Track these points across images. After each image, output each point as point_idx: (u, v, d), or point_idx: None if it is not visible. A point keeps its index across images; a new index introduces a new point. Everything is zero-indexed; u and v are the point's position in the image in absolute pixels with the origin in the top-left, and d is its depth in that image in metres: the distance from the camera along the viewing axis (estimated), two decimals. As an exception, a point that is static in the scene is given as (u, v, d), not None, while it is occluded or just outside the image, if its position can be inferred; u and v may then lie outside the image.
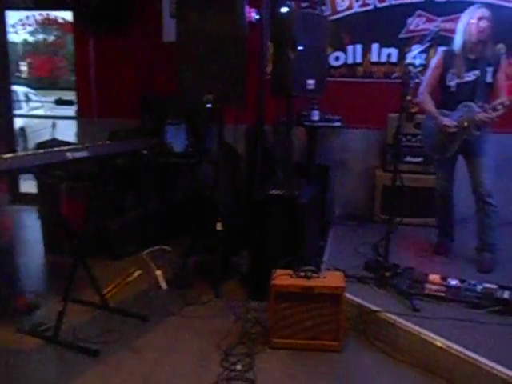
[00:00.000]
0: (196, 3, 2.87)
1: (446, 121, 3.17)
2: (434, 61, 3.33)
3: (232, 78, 2.93)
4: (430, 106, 3.29)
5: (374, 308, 2.66)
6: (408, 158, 4.15)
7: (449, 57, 3.23)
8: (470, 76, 3.15)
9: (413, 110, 3.32)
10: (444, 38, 4.21)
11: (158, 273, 3.31)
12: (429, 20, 4.25)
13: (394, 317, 2.58)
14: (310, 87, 3.13)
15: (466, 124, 3.14)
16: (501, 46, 4.16)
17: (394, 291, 2.82)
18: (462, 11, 4.15)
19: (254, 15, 3.47)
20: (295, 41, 2.97)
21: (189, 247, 3.43)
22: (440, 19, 4.22)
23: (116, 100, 4.82)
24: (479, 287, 2.77)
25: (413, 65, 2.97)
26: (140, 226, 3.89)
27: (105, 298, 2.95)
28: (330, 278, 2.60)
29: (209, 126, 3.78)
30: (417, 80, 2.97)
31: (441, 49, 3.36)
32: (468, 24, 3.11)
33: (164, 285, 3.25)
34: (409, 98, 2.96)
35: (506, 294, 2.67)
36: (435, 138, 3.29)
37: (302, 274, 2.58)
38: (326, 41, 3.40)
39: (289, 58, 2.98)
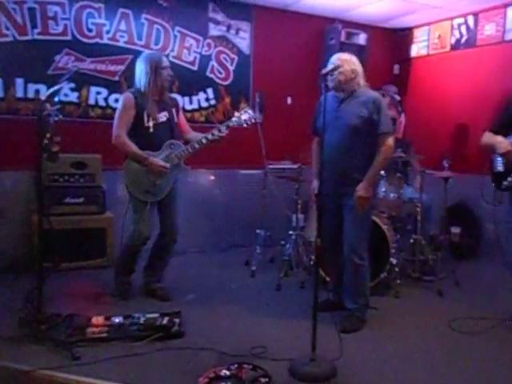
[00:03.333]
0: None
1: (161, 162, 3.51)
2: (124, 102, 3.54)
3: None
4: (133, 148, 3.49)
5: (27, 368, 2.58)
6: (68, 199, 4.30)
7: (140, 98, 3.52)
8: (163, 117, 3.59)
9: (54, 149, 3.41)
10: (95, 78, 4.69)
11: None
12: (78, 59, 4.62)
13: (50, 372, 2.57)
14: None
15: (176, 161, 3.56)
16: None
17: (52, 344, 2.82)
18: (112, 54, 4.75)
19: None
20: None
21: None
22: (90, 59, 4.66)
23: None
24: (142, 319, 3.09)
25: (52, 102, 3.10)
26: None
27: None
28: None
29: None
30: (56, 118, 3.09)
31: (129, 90, 3.63)
32: (156, 69, 3.52)
33: None
34: (48, 135, 3.04)
35: (165, 321, 3.08)
36: (145, 181, 3.53)
37: None
38: None
39: None
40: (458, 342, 3.15)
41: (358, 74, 3.31)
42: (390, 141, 3.27)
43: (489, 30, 5.39)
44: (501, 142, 3.23)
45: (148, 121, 3.55)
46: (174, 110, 3.71)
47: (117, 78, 4.81)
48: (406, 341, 3.16)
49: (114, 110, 4.72)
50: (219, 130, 3.59)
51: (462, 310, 3.66)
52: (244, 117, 3.63)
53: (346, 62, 3.26)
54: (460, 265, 4.67)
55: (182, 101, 5.11)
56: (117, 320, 3.08)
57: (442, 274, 4.33)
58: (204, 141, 3.59)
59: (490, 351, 3.03)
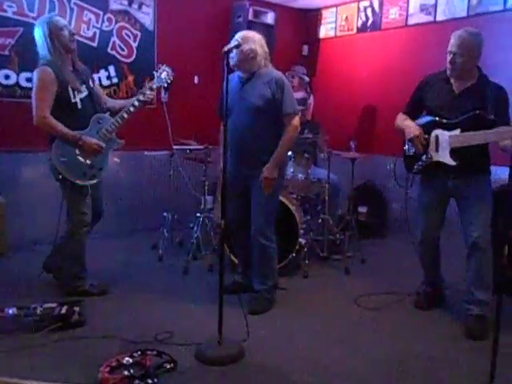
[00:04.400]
0: None
1: (95, 140, 3.36)
2: (42, 78, 3.23)
3: None
4: (62, 128, 3.25)
5: None
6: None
7: (57, 71, 3.25)
8: (85, 90, 3.40)
9: None
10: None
11: None
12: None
13: None
14: None
15: (109, 136, 3.45)
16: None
17: None
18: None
19: None
20: None
21: None
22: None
23: None
24: (39, 309, 3.00)
25: None
26: None
27: None
28: None
29: None
30: None
31: (42, 63, 3.27)
32: (53, 29, 3.25)
33: None
34: None
35: (64, 310, 3.03)
36: (80, 163, 3.36)
37: None
38: None
39: None
40: (363, 318, 3.37)
41: (257, 53, 3.31)
42: (296, 121, 3.36)
43: (393, 13, 5.70)
44: (409, 127, 3.32)
45: (74, 96, 3.32)
46: (90, 81, 3.54)
47: (6, 53, 4.53)
48: (313, 319, 3.32)
49: (4, 87, 4.55)
50: (144, 94, 3.52)
51: (368, 287, 3.90)
52: (163, 75, 3.61)
53: (247, 40, 3.25)
54: (367, 243, 4.95)
55: (81, 79, 4.96)
56: (10, 311, 2.95)
57: (350, 252, 4.58)
58: (132, 109, 3.48)
59: (393, 325, 3.27)
